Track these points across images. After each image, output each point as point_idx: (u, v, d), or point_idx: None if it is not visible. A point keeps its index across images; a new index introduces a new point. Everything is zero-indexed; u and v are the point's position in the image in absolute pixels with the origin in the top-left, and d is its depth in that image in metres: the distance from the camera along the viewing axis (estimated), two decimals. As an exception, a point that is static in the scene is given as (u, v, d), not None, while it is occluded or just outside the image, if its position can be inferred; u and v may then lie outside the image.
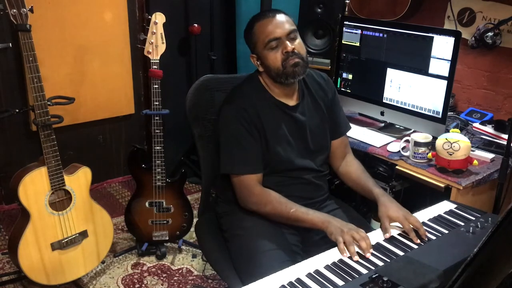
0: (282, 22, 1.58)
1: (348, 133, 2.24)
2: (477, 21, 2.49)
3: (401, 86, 2.23)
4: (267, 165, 1.63)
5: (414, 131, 2.21)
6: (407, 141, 2.07)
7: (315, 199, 1.72)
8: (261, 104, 1.62)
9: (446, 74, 2.04)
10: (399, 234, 1.44)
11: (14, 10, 1.85)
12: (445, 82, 2.05)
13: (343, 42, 2.42)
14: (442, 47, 2.03)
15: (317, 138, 1.72)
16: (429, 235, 1.42)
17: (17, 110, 2.27)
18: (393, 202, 1.55)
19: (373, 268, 1.25)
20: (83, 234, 2.20)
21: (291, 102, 1.68)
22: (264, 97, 1.65)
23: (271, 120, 1.62)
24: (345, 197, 1.83)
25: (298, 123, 1.68)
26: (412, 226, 1.42)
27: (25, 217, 2.03)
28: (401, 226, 1.44)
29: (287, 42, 1.57)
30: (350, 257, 1.31)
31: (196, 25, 3.14)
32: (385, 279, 1.13)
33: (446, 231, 1.44)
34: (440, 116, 2.09)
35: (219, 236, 1.73)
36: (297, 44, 1.60)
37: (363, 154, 2.19)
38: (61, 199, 2.10)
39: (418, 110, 2.18)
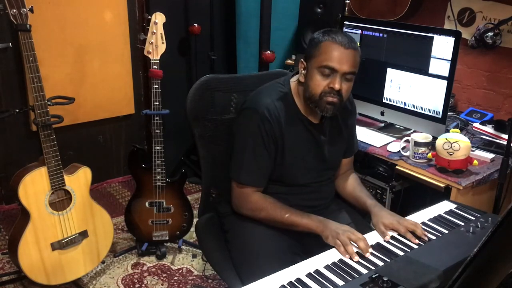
0: (350, 59, 1.48)
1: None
2: (477, 21, 2.49)
3: (401, 86, 2.23)
4: (277, 177, 1.62)
5: (414, 131, 2.21)
6: (407, 141, 2.07)
7: (321, 206, 1.73)
8: (286, 118, 1.57)
9: (446, 74, 2.04)
10: (399, 234, 1.44)
11: (14, 10, 1.85)
12: (445, 82, 2.05)
13: (343, 42, 2.42)
14: (442, 47, 2.03)
15: (332, 158, 1.71)
16: (429, 235, 1.42)
17: (17, 110, 2.27)
18: (386, 210, 1.56)
19: (373, 268, 1.25)
20: (83, 234, 2.20)
21: (315, 120, 1.64)
22: (291, 110, 1.60)
23: (293, 135, 1.60)
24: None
25: (318, 142, 1.66)
26: (408, 229, 1.42)
27: (25, 217, 2.03)
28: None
29: (339, 80, 1.48)
30: (350, 257, 1.31)
31: (196, 25, 3.14)
32: (385, 279, 1.13)
33: (446, 231, 1.44)
34: (440, 116, 2.09)
35: (219, 236, 1.73)
36: (346, 87, 1.51)
37: (363, 154, 2.19)
38: (61, 199, 2.10)
39: (418, 110, 2.18)
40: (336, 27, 2.66)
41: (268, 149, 1.56)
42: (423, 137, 2.01)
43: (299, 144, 1.62)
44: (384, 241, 1.41)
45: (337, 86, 1.48)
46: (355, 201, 1.72)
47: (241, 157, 1.59)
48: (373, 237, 1.42)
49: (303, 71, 1.57)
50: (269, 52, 2.58)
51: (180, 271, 2.46)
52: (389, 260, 1.29)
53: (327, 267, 1.27)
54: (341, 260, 1.30)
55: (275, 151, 1.58)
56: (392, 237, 1.42)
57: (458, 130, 1.94)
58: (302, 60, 1.58)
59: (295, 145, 1.60)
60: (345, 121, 1.73)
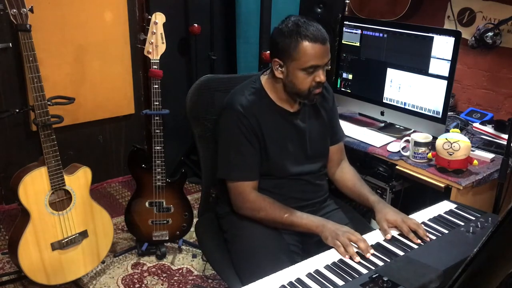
0: (327, 51, 1.54)
1: (348, 133, 2.25)
2: (477, 21, 2.49)
3: (401, 86, 2.23)
4: (266, 171, 1.63)
5: (414, 131, 2.21)
6: (407, 141, 2.07)
7: (315, 199, 1.73)
8: (262, 111, 1.60)
9: (446, 74, 2.04)
10: (399, 234, 1.44)
11: (14, 10, 1.85)
12: (445, 82, 2.05)
13: (343, 42, 2.42)
14: (442, 47, 2.03)
15: (316, 145, 1.72)
16: (429, 235, 1.42)
17: (17, 110, 2.27)
18: (390, 207, 1.56)
19: (373, 268, 1.25)
20: (83, 234, 2.20)
21: (292, 109, 1.67)
22: (265, 103, 1.63)
23: (271, 126, 1.62)
24: (345, 197, 1.83)
25: (298, 129, 1.67)
26: (411, 228, 1.42)
27: (25, 217, 2.03)
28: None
29: (322, 72, 1.55)
30: (351, 258, 1.31)
31: (196, 25, 3.14)
32: (385, 279, 1.13)
33: (446, 231, 1.44)
34: (440, 116, 2.09)
35: (219, 236, 1.73)
36: (325, 74, 1.58)
37: (363, 154, 2.19)
38: (61, 199, 2.10)
39: (418, 110, 2.18)
40: (336, 27, 2.67)
41: (252, 143, 1.58)
42: (423, 137, 2.01)
43: (279, 134, 1.63)
44: (385, 240, 1.41)
45: (322, 79, 1.55)
46: (356, 196, 1.71)
47: (228, 156, 1.61)
48: (373, 237, 1.42)
49: (280, 69, 1.57)
50: (269, 52, 2.58)
51: (180, 271, 2.46)
52: (389, 260, 1.29)
53: (327, 267, 1.27)
54: (341, 260, 1.30)
55: (258, 144, 1.60)
56: (392, 237, 1.42)
57: (458, 130, 1.94)
58: (276, 59, 1.56)
59: (275, 135, 1.62)
60: (322, 105, 1.75)
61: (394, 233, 1.45)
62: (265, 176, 1.63)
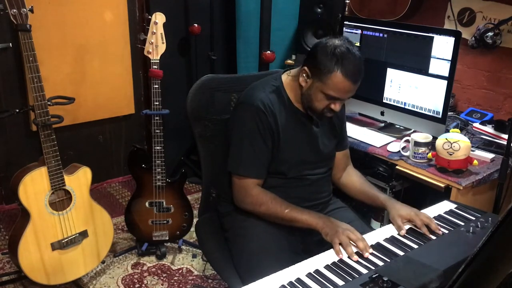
0: (353, 90, 1.54)
1: (348, 133, 2.25)
2: (477, 21, 2.50)
3: (401, 86, 2.23)
4: (275, 169, 1.63)
5: (414, 131, 2.22)
6: (407, 141, 2.07)
7: (319, 200, 1.73)
8: (280, 110, 1.61)
9: (446, 74, 2.04)
10: (399, 234, 1.44)
11: (14, 10, 1.85)
12: (445, 82, 2.05)
13: (343, 42, 2.42)
14: (442, 47, 2.03)
15: (325, 149, 1.72)
16: (429, 235, 1.42)
17: (17, 110, 2.27)
18: (400, 203, 1.58)
19: (373, 268, 1.25)
20: (83, 234, 2.20)
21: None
22: (284, 102, 1.63)
23: (287, 126, 1.62)
24: (345, 197, 1.83)
25: (311, 132, 1.68)
26: (424, 222, 1.45)
27: (25, 217, 2.03)
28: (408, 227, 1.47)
29: (340, 104, 1.57)
30: (349, 257, 1.32)
31: (196, 25, 3.14)
32: (385, 279, 1.13)
33: (446, 231, 1.44)
34: (440, 116, 2.09)
35: (219, 236, 1.73)
36: (341, 106, 1.61)
37: (363, 154, 2.19)
38: (61, 199, 2.10)
39: (418, 110, 2.18)
40: (336, 27, 2.67)
41: (266, 141, 1.58)
42: (423, 137, 2.01)
43: (293, 135, 1.64)
44: (384, 239, 1.41)
45: (336, 109, 1.57)
46: (365, 197, 1.72)
47: (239, 151, 1.60)
48: (373, 237, 1.42)
49: (305, 78, 1.57)
50: (269, 52, 2.58)
51: (180, 271, 2.46)
52: (389, 260, 1.29)
53: (327, 267, 1.27)
54: (341, 260, 1.30)
55: (272, 142, 1.59)
56: (392, 237, 1.42)
57: (458, 130, 1.94)
58: (306, 69, 1.55)
59: (290, 136, 1.62)
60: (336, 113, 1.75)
61: (394, 232, 1.45)
62: (273, 175, 1.64)
